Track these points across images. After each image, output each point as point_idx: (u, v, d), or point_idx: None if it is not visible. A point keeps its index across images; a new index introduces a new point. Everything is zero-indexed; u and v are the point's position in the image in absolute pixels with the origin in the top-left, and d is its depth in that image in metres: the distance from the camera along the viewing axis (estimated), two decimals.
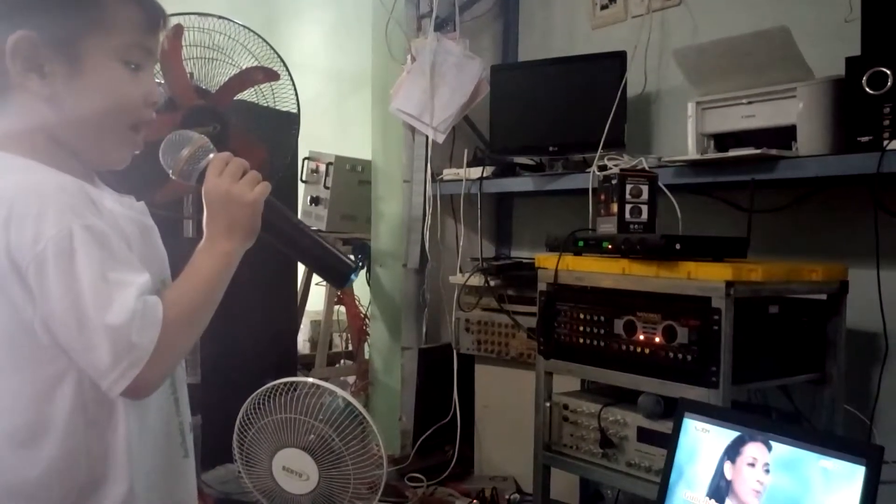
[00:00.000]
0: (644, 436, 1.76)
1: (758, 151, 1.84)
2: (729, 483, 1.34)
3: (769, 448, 1.30)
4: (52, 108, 0.94)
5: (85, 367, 0.88)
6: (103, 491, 0.93)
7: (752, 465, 1.32)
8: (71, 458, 0.92)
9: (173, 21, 2.11)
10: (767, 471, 1.29)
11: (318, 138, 3.19)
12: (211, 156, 1.01)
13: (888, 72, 1.68)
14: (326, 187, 3.12)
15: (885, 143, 1.67)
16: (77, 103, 0.94)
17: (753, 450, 1.32)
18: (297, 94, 2.38)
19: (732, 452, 1.34)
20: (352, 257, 1.08)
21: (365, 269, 3.12)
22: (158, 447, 1.01)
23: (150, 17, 0.99)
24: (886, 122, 1.68)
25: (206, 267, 0.97)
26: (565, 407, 1.94)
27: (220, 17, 2.25)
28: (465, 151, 2.72)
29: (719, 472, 1.35)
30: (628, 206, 1.85)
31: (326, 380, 2.19)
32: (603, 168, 2.22)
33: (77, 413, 0.91)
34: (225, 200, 0.98)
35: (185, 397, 1.07)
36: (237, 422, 2.03)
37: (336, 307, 3.25)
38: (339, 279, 1.06)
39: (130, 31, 0.97)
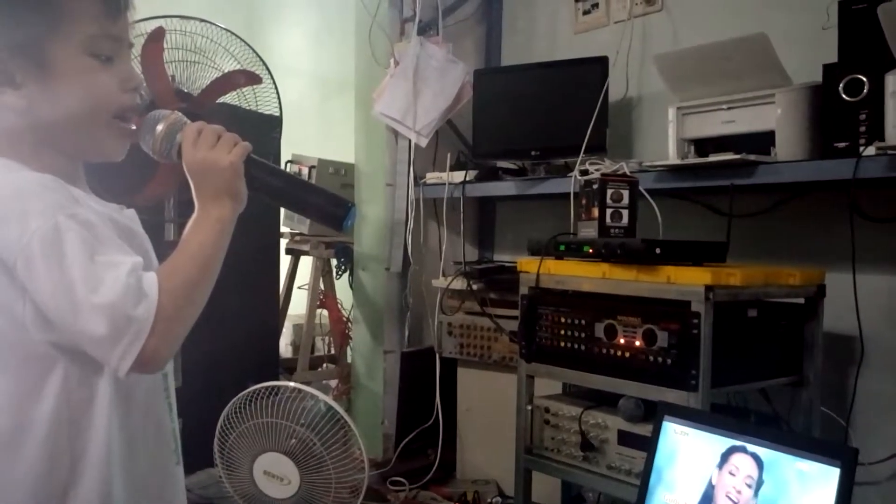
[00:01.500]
0: (624, 439, 1.78)
1: (737, 157, 1.86)
2: (713, 488, 1.35)
3: (760, 465, 1.29)
4: (31, 115, 0.94)
5: (91, 353, 0.88)
6: (81, 492, 0.92)
7: (733, 474, 1.33)
8: (53, 458, 0.91)
9: (155, 24, 2.10)
10: (751, 486, 1.30)
11: (301, 141, 3.19)
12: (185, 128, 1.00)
13: (864, 79, 1.70)
14: None
15: (861, 149, 1.69)
16: (55, 106, 0.94)
17: (739, 460, 1.32)
18: (279, 97, 2.38)
19: (722, 461, 1.35)
20: (347, 200, 1.05)
21: (348, 272, 3.11)
22: (149, 451, 0.99)
23: (110, 3, 0.97)
24: (862, 129, 1.71)
25: (200, 235, 0.96)
26: (546, 410, 1.95)
27: (202, 20, 2.25)
28: (448, 155, 2.73)
29: (709, 479, 1.36)
30: (609, 211, 1.86)
31: (308, 384, 2.19)
32: (584, 172, 2.23)
33: (61, 411, 0.91)
34: (203, 169, 0.97)
35: (174, 403, 1.06)
36: (218, 426, 2.03)
37: (318, 310, 3.24)
38: (335, 222, 1.04)
39: (91, 22, 0.95)
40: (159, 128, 0.99)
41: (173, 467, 1.05)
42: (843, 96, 1.74)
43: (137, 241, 1.01)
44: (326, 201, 1.03)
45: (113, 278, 0.86)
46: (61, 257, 0.85)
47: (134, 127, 1.00)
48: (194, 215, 0.98)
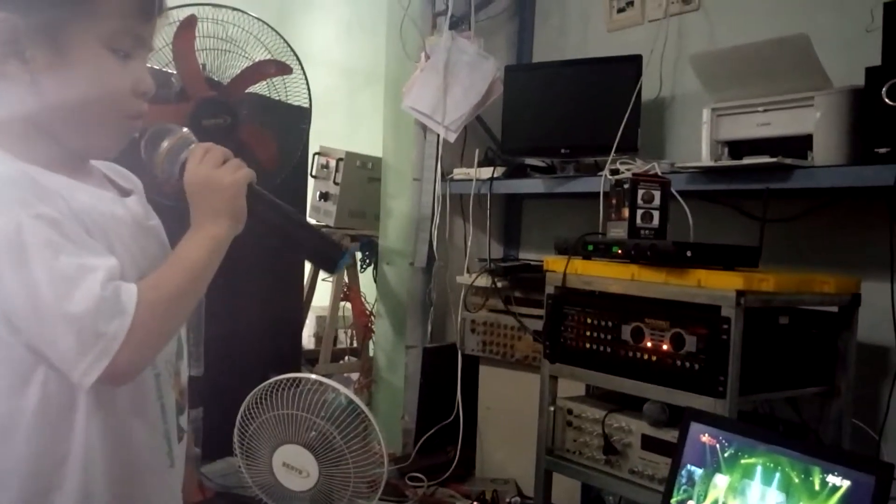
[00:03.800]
0: (648, 443, 1.75)
1: (773, 160, 1.82)
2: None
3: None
4: (33, 96, 0.89)
5: (53, 361, 0.85)
6: (58, 497, 0.89)
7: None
8: (36, 460, 0.88)
9: (187, 11, 2.10)
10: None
11: (329, 134, 3.19)
12: (192, 146, 0.98)
13: None
14: (336, 183, 3.11)
15: None
16: (59, 91, 0.90)
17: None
18: (309, 89, 2.37)
19: (752, 473, 1.32)
20: (342, 243, 1.06)
21: (372, 266, 3.10)
22: (136, 456, 0.95)
23: (143, 2, 0.93)
24: None
25: (191, 252, 0.93)
26: (569, 412, 1.92)
27: (234, 9, 2.24)
28: (477, 151, 2.71)
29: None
30: (640, 211, 1.83)
31: (330, 376, 2.18)
32: (615, 172, 2.20)
33: (42, 413, 0.87)
34: (204, 186, 0.95)
35: (170, 404, 1.01)
36: (239, 416, 2.02)
37: (342, 303, 3.24)
38: (328, 264, 1.06)
39: (119, 16, 0.91)
40: (164, 144, 0.97)
41: (165, 471, 1.00)
42: (886, 100, 1.69)
43: (142, 233, 0.98)
44: (322, 245, 1.05)
45: (85, 287, 0.82)
46: (25, 260, 0.81)
47: (137, 135, 0.98)
48: (189, 232, 0.95)
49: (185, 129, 1.00)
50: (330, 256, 1.04)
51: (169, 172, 0.98)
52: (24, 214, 0.82)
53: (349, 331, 3.47)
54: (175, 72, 2.12)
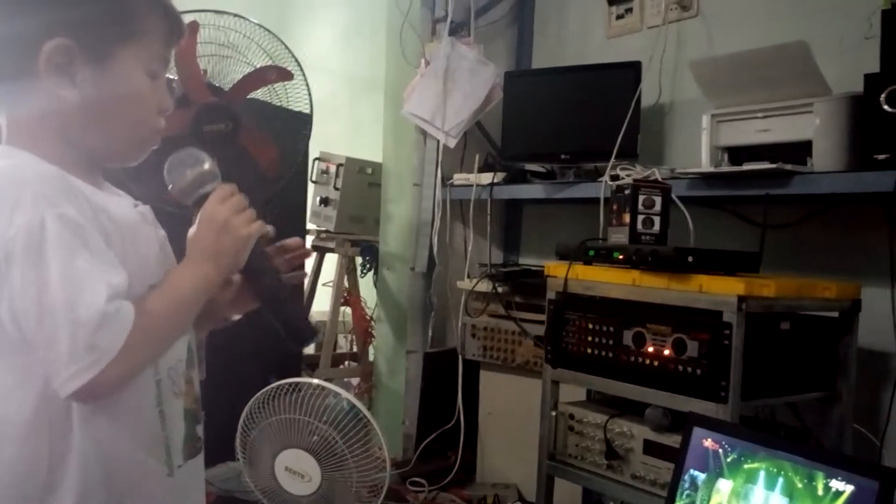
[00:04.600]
0: (650, 448, 1.75)
1: (772, 166, 1.83)
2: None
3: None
4: (77, 112, 0.94)
5: (43, 362, 0.85)
6: (54, 499, 0.89)
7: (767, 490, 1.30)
8: (32, 459, 0.89)
9: (189, 18, 2.11)
10: None
11: (330, 139, 3.19)
12: (216, 181, 1.02)
13: None
14: (336, 188, 3.11)
15: None
16: (99, 109, 0.95)
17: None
18: (310, 95, 2.37)
19: (756, 477, 1.32)
20: (316, 328, 1.11)
21: (372, 271, 3.11)
22: (131, 462, 0.95)
23: (175, 29, 1.01)
24: None
25: (186, 285, 0.95)
26: (571, 417, 1.92)
27: (235, 16, 2.25)
28: (477, 157, 2.72)
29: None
30: (640, 217, 1.84)
31: (330, 381, 2.18)
32: (615, 178, 2.21)
33: (41, 412, 0.88)
34: (221, 228, 0.98)
35: (175, 412, 1.01)
36: (241, 420, 2.03)
37: (342, 308, 3.24)
38: (298, 341, 1.08)
39: (157, 42, 0.99)
40: (189, 174, 1.01)
41: (163, 479, 0.99)
42: (885, 107, 1.70)
43: (142, 243, 0.99)
44: (298, 322, 1.06)
45: (91, 297, 0.83)
46: (42, 260, 0.83)
47: (152, 145, 1.03)
48: (183, 262, 0.98)
49: (214, 165, 1.03)
50: (301, 334, 1.07)
51: (184, 197, 1.02)
52: (50, 212, 0.85)
53: (349, 336, 3.47)
54: (176, 77, 2.12)
